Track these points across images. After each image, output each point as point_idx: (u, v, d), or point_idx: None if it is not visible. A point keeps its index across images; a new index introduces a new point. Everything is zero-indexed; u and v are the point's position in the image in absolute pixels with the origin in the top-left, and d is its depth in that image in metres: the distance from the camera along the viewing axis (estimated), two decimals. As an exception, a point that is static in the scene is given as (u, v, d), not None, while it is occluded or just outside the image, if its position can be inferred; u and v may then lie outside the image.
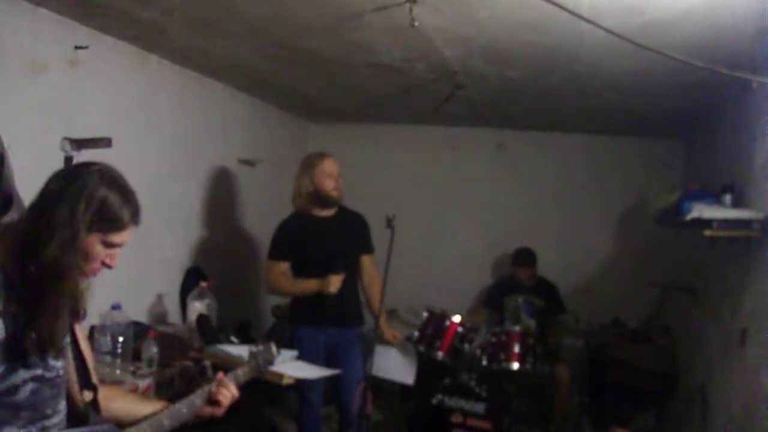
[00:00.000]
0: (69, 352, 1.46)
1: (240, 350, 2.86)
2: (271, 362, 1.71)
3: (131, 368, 2.78)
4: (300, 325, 3.29)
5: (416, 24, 2.43)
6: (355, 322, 3.38)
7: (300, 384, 3.21)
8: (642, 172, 4.88)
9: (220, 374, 1.65)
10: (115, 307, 3.00)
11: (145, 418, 1.53)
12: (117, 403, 1.59)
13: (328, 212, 3.29)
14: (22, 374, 1.32)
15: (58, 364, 1.40)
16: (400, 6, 2.37)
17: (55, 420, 1.40)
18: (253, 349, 1.74)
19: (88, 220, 1.32)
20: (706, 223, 2.84)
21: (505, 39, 2.74)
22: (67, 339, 1.45)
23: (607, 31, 2.25)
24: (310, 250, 3.22)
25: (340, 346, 3.24)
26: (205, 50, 3.30)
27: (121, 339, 2.89)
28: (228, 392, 1.62)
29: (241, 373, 1.66)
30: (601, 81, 3.31)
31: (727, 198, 2.95)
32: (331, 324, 3.20)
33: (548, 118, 4.65)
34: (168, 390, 2.91)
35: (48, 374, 1.37)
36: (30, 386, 1.34)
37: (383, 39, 2.88)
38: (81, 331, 1.52)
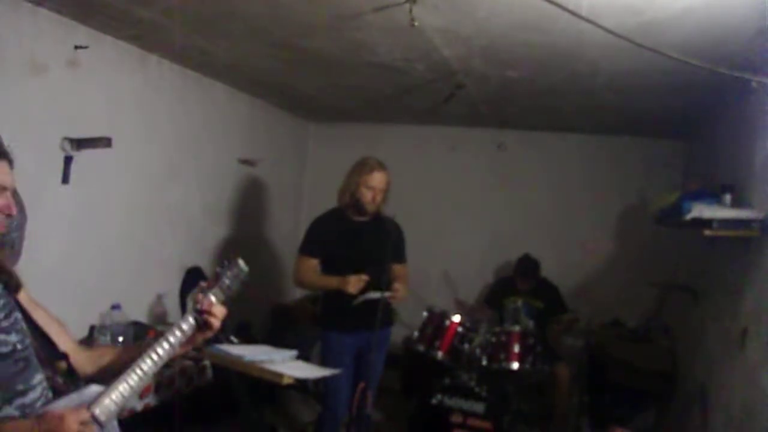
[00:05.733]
0: (24, 327, 1.40)
1: (240, 350, 2.86)
2: (241, 278, 1.61)
3: (131, 368, 2.77)
4: (330, 330, 3.28)
5: (416, 24, 2.43)
6: (387, 324, 3.31)
7: (325, 392, 3.25)
8: (642, 172, 4.87)
9: (199, 296, 1.51)
10: (115, 307, 3.00)
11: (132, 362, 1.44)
12: (107, 358, 1.55)
13: (363, 217, 3.27)
14: None
15: (11, 338, 1.35)
16: (400, 6, 2.37)
17: (33, 395, 1.36)
18: (218, 268, 1.60)
19: None
20: (706, 223, 2.84)
21: (505, 39, 2.74)
22: (18, 314, 1.40)
23: (607, 30, 2.25)
24: (341, 252, 3.22)
25: (370, 349, 3.16)
26: (205, 50, 3.30)
27: (120, 339, 2.89)
28: (219, 311, 1.51)
29: (214, 294, 1.53)
30: (601, 81, 3.31)
31: (727, 198, 2.95)
32: (360, 328, 3.16)
33: (548, 118, 4.65)
34: (168, 390, 2.92)
35: (4, 349, 1.33)
36: None
37: (383, 39, 2.88)
38: (29, 301, 1.46)
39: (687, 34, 2.42)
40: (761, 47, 2.44)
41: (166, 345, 1.45)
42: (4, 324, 1.36)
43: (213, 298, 1.53)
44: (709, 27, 2.35)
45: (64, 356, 1.46)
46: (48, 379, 1.42)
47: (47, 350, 1.44)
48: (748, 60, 2.53)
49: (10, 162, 1.40)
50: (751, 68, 2.49)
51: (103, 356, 1.57)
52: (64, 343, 1.50)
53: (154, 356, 1.43)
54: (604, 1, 2.18)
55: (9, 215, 1.38)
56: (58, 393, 1.41)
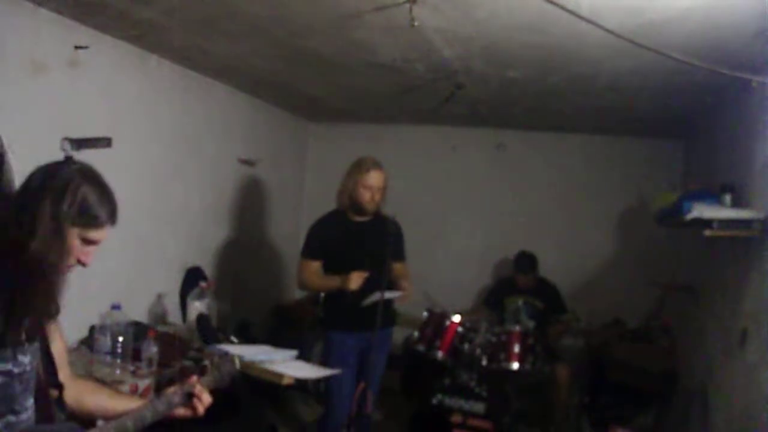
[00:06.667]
0: (37, 348, 1.44)
1: (240, 350, 2.86)
2: (232, 374, 1.74)
3: (131, 368, 2.77)
4: (333, 330, 3.29)
5: (416, 24, 2.43)
6: (388, 324, 3.32)
7: (328, 392, 3.27)
8: (642, 172, 4.88)
9: (194, 378, 1.63)
10: (115, 307, 3.00)
11: (116, 416, 1.52)
12: (89, 398, 1.61)
13: (363, 217, 3.28)
14: None
15: (26, 359, 1.39)
16: (400, 6, 2.37)
17: (23, 417, 1.39)
18: (216, 359, 1.78)
19: (70, 215, 1.36)
20: (706, 223, 2.84)
21: (505, 39, 2.74)
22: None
23: (607, 31, 2.25)
24: (342, 253, 3.22)
25: (371, 348, 3.15)
26: (205, 50, 3.30)
27: (120, 339, 2.89)
28: (206, 399, 1.61)
29: (205, 382, 1.65)
30: (601, 81, 3.31)
31: (727, 198, 2.95)
32: (363, 328, 3.14)
33: (548, 118, 4.64)
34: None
35: (16, 369, 1.36)
36: (0, 380, 1.33)
37: (383, 39, 2.88)
38: (55, 327, 1.52)
39: (687, 35, 2.42)
40: (761, 47, 2.44)
41: (152, 410, 1.53)
42: (27, 344, 1.40)
43: (205, 386, 1.64)
44: (709, 27, 2.35)
45: (60, 386, 1.50)
46: (37, 403, 1.44)
47: (47, 376, 1.48)
48: (748, 60, 2.53)
49: (113, 225, 1.47)
50: (751, 68, 2.49)
51: (88, 394, 1.62)
52: (63, 372, 1.54)
53: (139, 417, 1.50)
54: (604, 2, 2.18)
55: (83, 265, 1.46)
56: (40, 420, 1.44)
